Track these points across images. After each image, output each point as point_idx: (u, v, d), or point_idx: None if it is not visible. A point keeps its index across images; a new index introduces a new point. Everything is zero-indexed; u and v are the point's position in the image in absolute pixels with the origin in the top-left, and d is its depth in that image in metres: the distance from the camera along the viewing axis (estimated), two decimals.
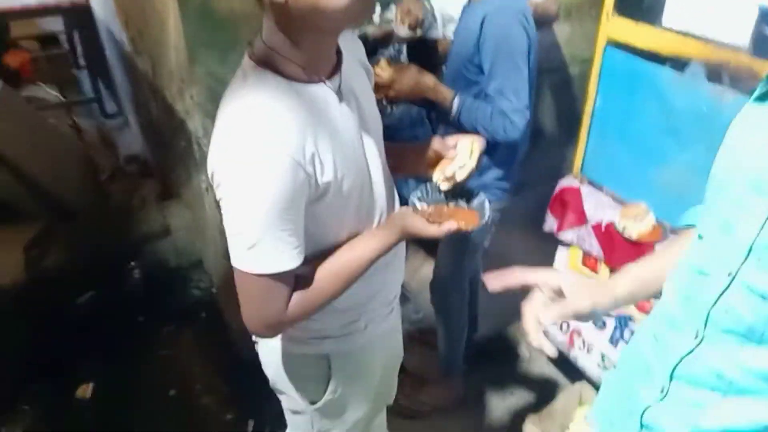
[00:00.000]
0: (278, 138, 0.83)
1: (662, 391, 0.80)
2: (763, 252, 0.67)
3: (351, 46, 1.06)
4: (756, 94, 0.73)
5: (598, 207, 1.86)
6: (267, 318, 0.95)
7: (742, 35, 1.40)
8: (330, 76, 0.95)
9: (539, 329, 0.87)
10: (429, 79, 1.63)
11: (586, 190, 1.91)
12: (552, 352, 0.89)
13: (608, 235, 1.82)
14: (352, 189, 0.97)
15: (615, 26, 1.74)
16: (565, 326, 2.06)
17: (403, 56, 2.28)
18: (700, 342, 0.74)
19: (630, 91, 1.75)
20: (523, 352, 2.36)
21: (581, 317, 0.89)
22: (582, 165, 1.95)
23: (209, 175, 0.88)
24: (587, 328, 1.98)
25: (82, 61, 3.71)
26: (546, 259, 2.07)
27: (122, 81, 3.29)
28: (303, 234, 0.91)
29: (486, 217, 1.07)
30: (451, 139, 1.17)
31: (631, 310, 1.82)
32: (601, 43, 1.79)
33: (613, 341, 1.90)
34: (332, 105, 0.94)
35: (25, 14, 3.16)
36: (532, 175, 1.99)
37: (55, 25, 3.87)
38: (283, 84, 0.88)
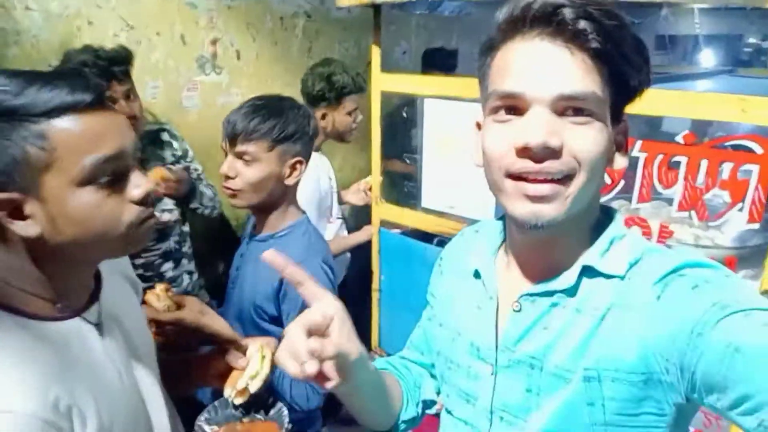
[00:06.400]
0: (18, 398, 0.65)
1: None
2: (500, 412, 0.76)
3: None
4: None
5: None
6: None
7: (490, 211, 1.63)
8: (87, 306, 0.80)
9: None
10: (218, 323, 1.14)
11: None
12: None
13: None
14: None
15: (384, 210, 1.92)
16: None
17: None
18: None
19: (408, 266, 1.88)
20: None
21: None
22: (379, 339, 2.00)
23: None
24: None
25: None
26: None
27: None
28: None
29: (286, 426, 1.01)
30: (241, 346, 1.09)
31: None
32: (375, 224, 1.94)
33: None
34: (92, 341, 0.79)
35: None
36: None
37: None
38: (25, 326, 0.72)
